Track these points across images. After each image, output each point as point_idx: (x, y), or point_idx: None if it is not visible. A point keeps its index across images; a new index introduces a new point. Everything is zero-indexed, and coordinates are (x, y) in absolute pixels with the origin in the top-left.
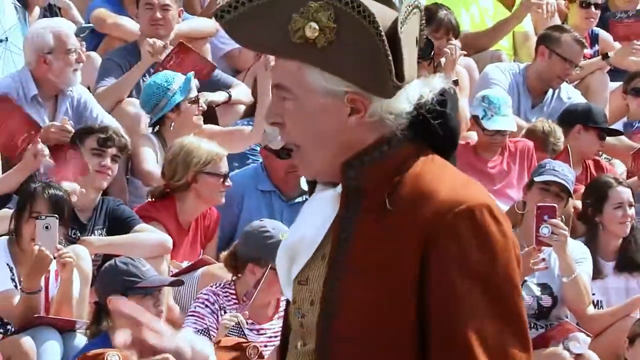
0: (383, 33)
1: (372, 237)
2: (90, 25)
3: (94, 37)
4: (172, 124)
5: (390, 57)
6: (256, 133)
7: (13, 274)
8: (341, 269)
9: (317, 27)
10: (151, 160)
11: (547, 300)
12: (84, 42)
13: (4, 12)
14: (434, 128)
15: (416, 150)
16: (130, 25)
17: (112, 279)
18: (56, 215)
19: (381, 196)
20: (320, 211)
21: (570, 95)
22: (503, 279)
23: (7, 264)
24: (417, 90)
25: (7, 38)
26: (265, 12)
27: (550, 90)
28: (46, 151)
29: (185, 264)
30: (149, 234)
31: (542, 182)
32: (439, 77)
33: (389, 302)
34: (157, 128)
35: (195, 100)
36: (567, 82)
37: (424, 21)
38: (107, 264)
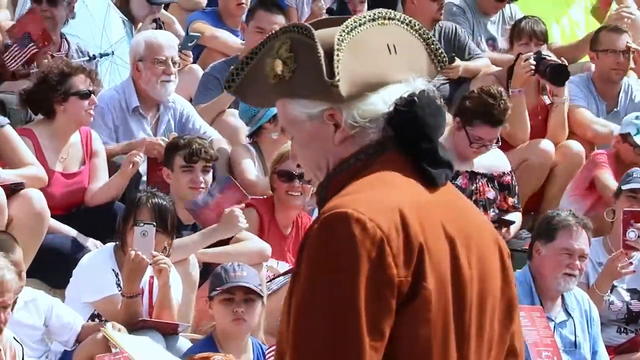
0: (317, 40)
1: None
2: (199, 34)
3: (194, 50)
4: (273, 133)
5: (321, 57)
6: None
7: (118, 279)
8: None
9: (281, 61)
10: (252, 170)
11: (636, 305)
12: (190, 53)
13: (111, 26)
14: (396, 122)
15: (378, 162)
16: (227, 38)
17: (210, 283)
18: (154, 223)
19: None
20: None
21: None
22: (331, 290)
23: (113, 270)
24: (397, 92)
25: (113, 52)
26: (257, 71)
27: (622, 94)
28: (141, 160)
29: (281, 268)
30: (249, 243)
31: (629, 189)
32: (421, 80)
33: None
34: (254, 138)
35: None
36: None
37: (417, 29)
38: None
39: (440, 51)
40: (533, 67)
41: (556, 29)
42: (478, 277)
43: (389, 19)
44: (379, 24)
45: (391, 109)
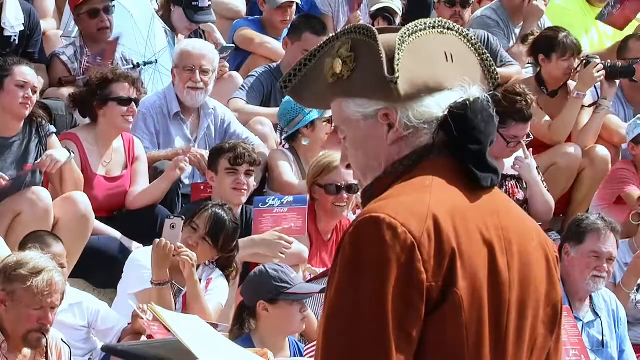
0: (379, 40)
1: None
2: (232, 45)
3: (237, 57)
4: (304, 139)
5: (383, 55)
6: None
7: None
8: None
9: (341, 61)
10: (289, 173)
11: None
12: (226, 63)
13: (154, 36)
14: (448, 124)
15: (422, 166)
16: (275, 45)
17: (264, 283)
18: (182, 217)
19: None
20: None
21: None
22: (359, 293)
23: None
24: (451, 98)
25: (156, 60)
26: (316, 72)
27: None
28: (188, 167)
29: (319, 270)
30: None
31: None
32: (476, 87)
33: None
34: (291, 143)
35: (330, 121)
36: None
37: (474, 43)
38: (256, 269)
39: (493, 68)
40: (604, 72)
41: (585, 40)
42: (519, 282)
43: (448, 29)
44: (438, 32)
45: (445, 112)
